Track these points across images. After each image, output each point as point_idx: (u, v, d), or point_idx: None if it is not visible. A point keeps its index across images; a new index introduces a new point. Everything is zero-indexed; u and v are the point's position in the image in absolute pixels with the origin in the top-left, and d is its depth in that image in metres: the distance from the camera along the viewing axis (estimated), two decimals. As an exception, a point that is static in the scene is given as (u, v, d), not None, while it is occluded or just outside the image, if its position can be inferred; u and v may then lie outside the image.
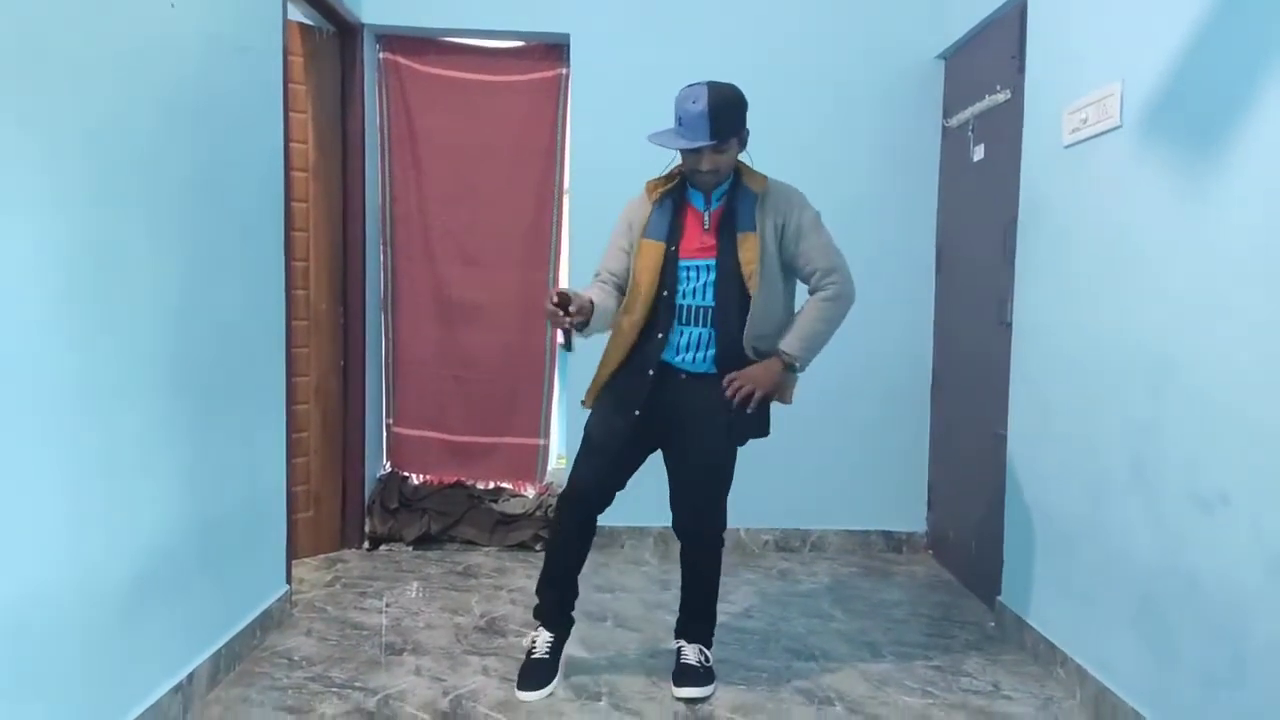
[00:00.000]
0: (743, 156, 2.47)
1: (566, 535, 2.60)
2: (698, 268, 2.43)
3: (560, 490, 3.91)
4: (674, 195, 2.47)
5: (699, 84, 2.32)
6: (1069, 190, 2.65)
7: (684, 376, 2.47)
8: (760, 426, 2.53)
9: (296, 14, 3.34)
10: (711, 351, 2.44)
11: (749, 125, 2.41)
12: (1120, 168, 2.38)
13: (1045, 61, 2.84)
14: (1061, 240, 2.70)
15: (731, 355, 2.43)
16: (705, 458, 2.50)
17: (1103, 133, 2.45)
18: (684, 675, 2.54)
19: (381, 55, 3.89)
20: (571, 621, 2.66)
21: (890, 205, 3.83)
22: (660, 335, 2.44)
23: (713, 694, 2.51)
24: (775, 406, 2.56)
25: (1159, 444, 2.19)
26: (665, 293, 2.42)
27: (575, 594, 2.67)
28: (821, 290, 2.48)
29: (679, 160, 2.47)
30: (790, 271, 2.51)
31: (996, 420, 3.10)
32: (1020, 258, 2.96)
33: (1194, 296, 2.07)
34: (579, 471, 2.56)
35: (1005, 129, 3.11)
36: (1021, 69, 2.98)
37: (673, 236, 2.43)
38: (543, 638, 2.58)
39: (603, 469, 2.52)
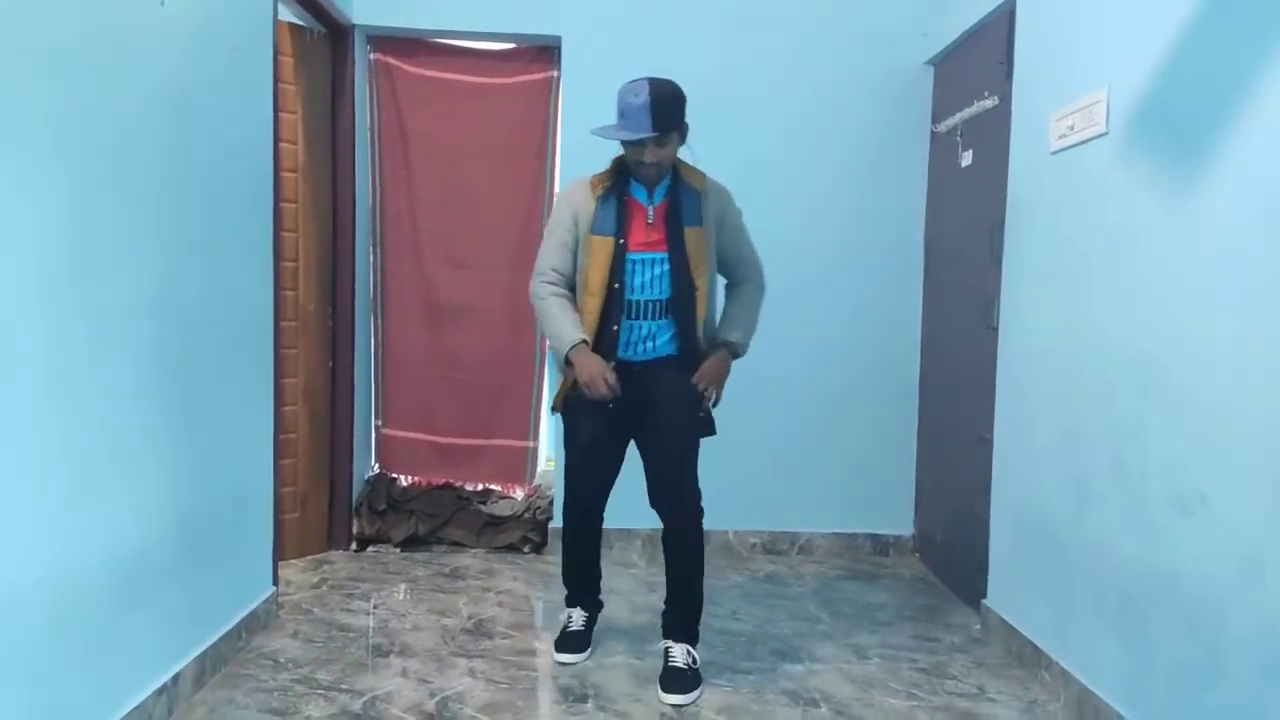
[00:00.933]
0: (684, 154, 2.55)
1: (578, 542, 2.79)
2: (645, 261, 2.50)
3: (546, 491, 3.97)
4: (617, 190, 2.53)
5: (640, 79, 2.41)
6: (1056, 196, 2.67)
7: (636, 368, 2.55)
8: (711, 425, 2.66)
9: (287, 14, 3.34)
10: (662, 339, 2.56)
11: (689, 121, 2.50)
12: (1106, 174, 2.40)
13: (1033, 68, 2.86)
14: (1048, 245, 2.72)
15: (690, 344, 2.55)
16: (678, 435, 2.58)
17: (1089, 139, 2.47)
18: (672, 680, 2.53)
19: (372, 56, 3.89)
20: (601, 604, 2.88)
21: (878, 209, 3.85)
22: (614, 328, 2.52)
23: (700, 697, 2.52)
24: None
25: (1142, 447, 2.21)
26: (616, 285, 2.50)
27: (599, 575, 2.87)
28: (749, 281, 2.69)
29: (615, 156, 2.58)
30: (718, 262, 2.66)
31: (982, 423, 3.12)
32: (1007, 262, 2.98)
33: (1178, 301, 2.09)
34: (579, 481, 2.67)
35: (993, 135, 3.13)
36: (1009, 75, 3.00)
37: (620, 230, 2.50)
38: (577, 614, 2.80)
39: (598, 472, 2.67)
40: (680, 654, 2.58)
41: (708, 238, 2.53)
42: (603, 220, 2.49)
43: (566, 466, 2.67)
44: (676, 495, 2.59)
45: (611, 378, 2.44)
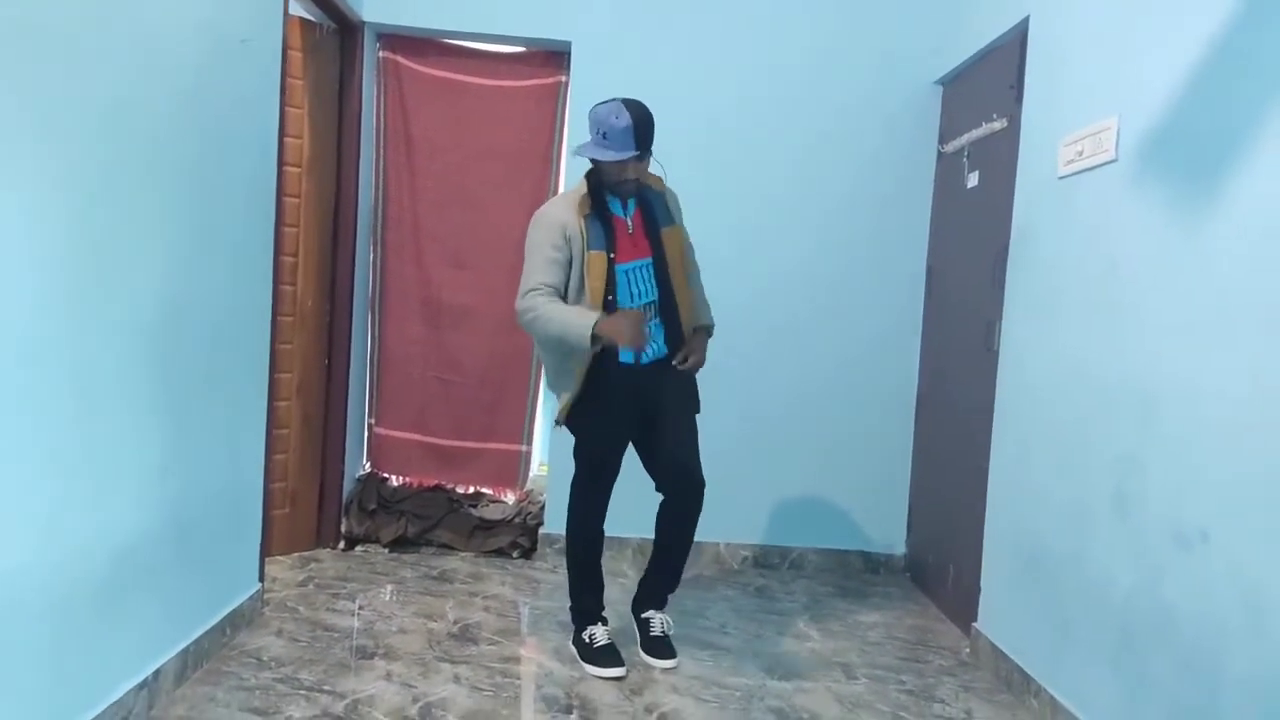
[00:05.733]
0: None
1: (591, 553, 2.83)
2: (634, 269, 2.66)
3: (538, 496, 3.94)
4: (598, 208, 2.66)
5: (614, 101, 2.58)
6: (1061, 221, 2.67)
7: (641, 371, 2.68)
8: (699, 403, 2.87)
9: (298, 9, 3.33)
10: (659, 340, 2.70)
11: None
12: (1113, 201, 2.39)
13: (1043, 92, 2.85)
14: (1051, 270, 2.71)
15: (678, 337, 2.71)
16: (689, 425, 2.80)
17: (1098, 165, 2.46)
18: (659, 646, 2.78)
19: (381, 54, 3.87)
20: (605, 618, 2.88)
21: (882, 227, 3.84)
22: None
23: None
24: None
25: (1141, 478, 2.19)
26: (610, 298, 2.62)
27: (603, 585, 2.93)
28: (693, 267, 2.88)
29: (585, 174, 2.71)
30: None
31: (979, 445, 3.11)
32: (1010, 285, 2.97)
33: (1181, 332, 2.08)
34: (593, 495, 2.77)
35: (1000, 157, 3.12)
36: (1019, 99, 2.99)
37: (609, 245, 2.64)
38: (600, 630, 2.78)
39: (610, 481, 2.78)
40: (660, 623, 2.83)
41: (684, 234, 2.77)
42: (595, 237, 2.62)
43: (579, 479, 2.78)
44: (693, 477, 2.75)
45: (641, 321, 2.54)
